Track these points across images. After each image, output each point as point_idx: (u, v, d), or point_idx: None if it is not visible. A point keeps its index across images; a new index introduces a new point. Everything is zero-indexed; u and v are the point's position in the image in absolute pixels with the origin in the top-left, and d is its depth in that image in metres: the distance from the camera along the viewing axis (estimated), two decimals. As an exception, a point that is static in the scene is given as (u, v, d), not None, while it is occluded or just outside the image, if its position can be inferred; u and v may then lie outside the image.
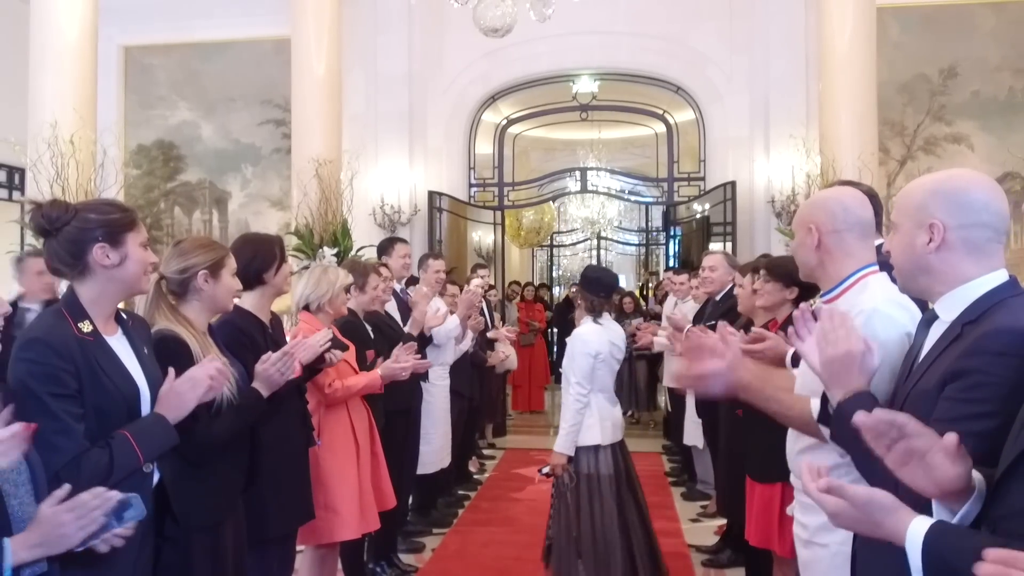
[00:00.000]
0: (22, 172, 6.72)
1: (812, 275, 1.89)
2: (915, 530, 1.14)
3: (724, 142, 7.82)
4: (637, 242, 16.81)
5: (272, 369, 2.30)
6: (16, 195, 7.54)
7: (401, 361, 3.37)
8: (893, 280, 1.67)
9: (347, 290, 3.28)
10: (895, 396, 1.49)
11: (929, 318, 1.50)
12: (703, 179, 8.20)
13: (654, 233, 15.41)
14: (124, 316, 1.97)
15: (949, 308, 1.42)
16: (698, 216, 8.53)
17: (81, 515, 1.38)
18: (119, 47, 8.14)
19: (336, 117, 6.78)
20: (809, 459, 1.86)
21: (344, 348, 3.15)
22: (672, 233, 9.77)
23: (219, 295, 2.30)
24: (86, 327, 1.81)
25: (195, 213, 8.44)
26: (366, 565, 3.95)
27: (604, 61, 8.06)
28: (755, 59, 7.62)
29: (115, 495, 1.44)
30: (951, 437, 1.16)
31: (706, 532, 4.83)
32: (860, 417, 1.22)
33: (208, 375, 1.89)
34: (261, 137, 8.24)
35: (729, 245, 7.56)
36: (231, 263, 2.34)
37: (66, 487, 1.40)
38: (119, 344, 1.89)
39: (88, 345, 1.79)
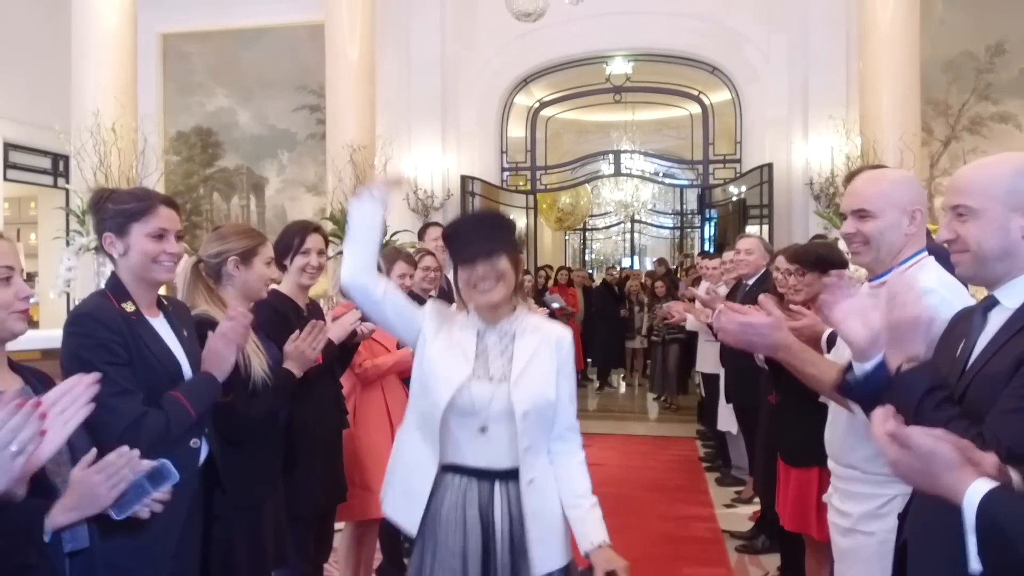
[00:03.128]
0: (67, 159, 6.88)
1: (885, 260, 1.83)
2: (975, 491, 1.12)
3: (761, 123, 7.69)
4: (672, 225, 16.69)
5: (303, 345, 2.34)
6: (61, 182, 7.73)
7: None
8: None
9: None
10: (947, 379, 1.46)
11: (988, 305, 1.47)
12: (739, 161, 8.08)
13: (689, 216, 15.28)
14: (164, 302, 2.04)
15: (1013, 295, 1.42)
16: (734, 199, 8.43)
17: (110, 474, 1.42)
18: (157, 35, 8.26)
19: (370, 102, 6.82)
20: (851, 443, 1.86)
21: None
22: (707, 216, 9.66)
23: (250, 282, 2.35)
24: (129, 307, 1.89)
25: (233, 199, 8.58)
26: (403, 544, 4.01)
27: (638, 42, 7.97)
28: (794, 37, 7.46)
29: (145, 462, 1.48)
30: (992, 459, 1.16)
31: (740, 518, 4.80)
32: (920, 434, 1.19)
33: (231, 326, 1.96)
34: (297, 123, 8.32)
35: (766, 228, 7.46)
36: (266, 252, 2.38)
37: (92, 451, 1.45)
38: (160, 325, 1.97)
39: (132, 322, 1.87)
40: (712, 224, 9.59)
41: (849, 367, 1.57)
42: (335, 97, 6.76)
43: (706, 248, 9.47)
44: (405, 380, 3.45)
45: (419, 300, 3.96)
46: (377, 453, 3.18)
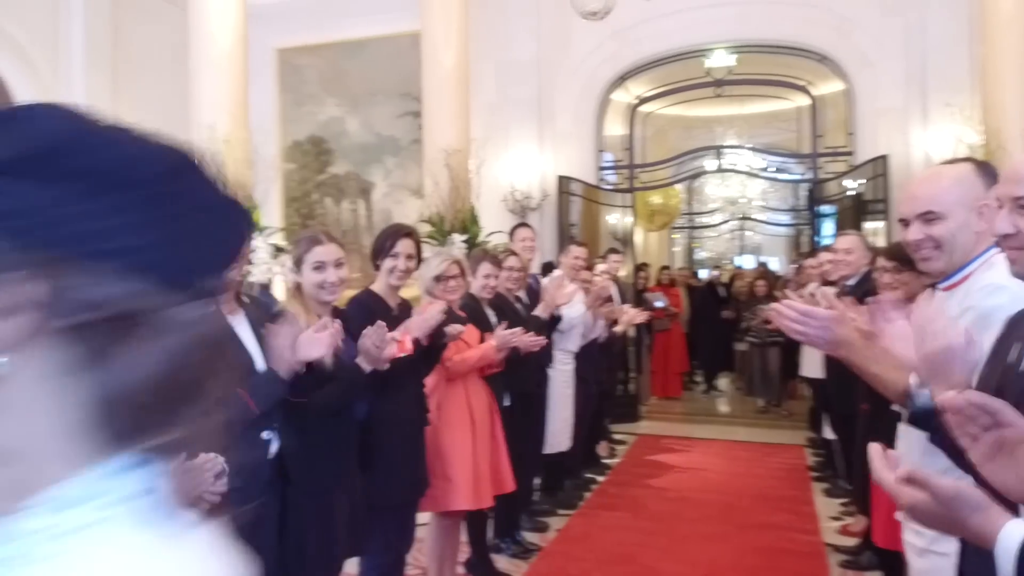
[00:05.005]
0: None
1: (958, 262, 1.72)
2: (1010, 533, 1.00)
3: (875, 113, 7.25)
4: (788, 222, 16.01)
5: (367, 342, 2.41)
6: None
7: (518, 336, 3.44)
8: None
9: (451, 278, 3.26)
10: (1000, 385, 1.35)
11: None
12: (851, 153, 7.66)
13: (806, 212, 14.61)
14: (246, 300, 2.18)
15: None
16: (848, 193, 8.00)
17: (195, 476, 1.56)
18: (273, 50, 8.76)
19: (464, 107, 6.95)
20: (926, 456, 1.74)
21: (463, 321, 3.27)
22: (817, 212, 9.21)
23: (304, 286, 2.44)
24: None
25: (343, 203, 8.97)
26: (490, 540, 4.08)
27: (739, 33, 7.69)
28: (910, 21, 6.99)
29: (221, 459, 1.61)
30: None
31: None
32: (948, 396, 1.10)
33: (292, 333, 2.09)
34: (400, 129, 8.60)
35: (882, 224, 7.04)
36: (312, 258, 2.41)
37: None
38: (238, 322, 2.11)
39: None
40: (831, 220, 9.14)
41: (910, 395, 1.48)
42: (431, 103, 6.94)
43: (818, 246, 9.03)
44: (485, 377, 3.56)
45: (504, 301, 4.05)
46: (458, 446, 3.33)
